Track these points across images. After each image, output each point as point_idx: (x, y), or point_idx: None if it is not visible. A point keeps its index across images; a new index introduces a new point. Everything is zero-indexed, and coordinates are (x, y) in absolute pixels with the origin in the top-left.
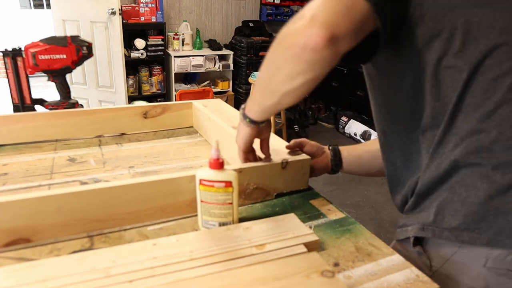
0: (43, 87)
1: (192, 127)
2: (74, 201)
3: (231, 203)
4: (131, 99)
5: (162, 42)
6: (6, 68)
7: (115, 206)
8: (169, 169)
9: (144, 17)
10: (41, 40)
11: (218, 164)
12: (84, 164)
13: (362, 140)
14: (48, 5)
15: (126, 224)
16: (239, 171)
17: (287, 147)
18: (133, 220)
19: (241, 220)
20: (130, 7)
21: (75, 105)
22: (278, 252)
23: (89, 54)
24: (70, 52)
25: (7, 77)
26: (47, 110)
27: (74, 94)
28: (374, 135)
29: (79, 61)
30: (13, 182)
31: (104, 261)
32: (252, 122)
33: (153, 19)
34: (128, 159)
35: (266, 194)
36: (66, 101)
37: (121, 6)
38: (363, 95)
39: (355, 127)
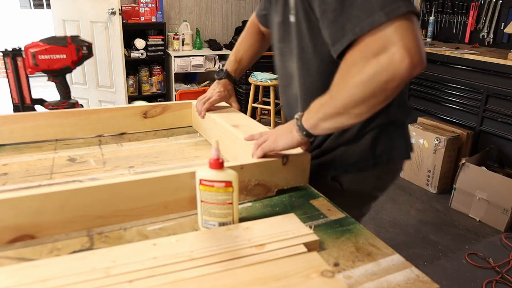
0: (43, 87)
1: (191, 126)
2: (77, 198)
3: (231, 203)
4: (131, 99)
5: (162, 42)
6: (6, 68)
7: (118, 203)
8: (169, 169)
9: (144, 17)
10: (41, 40)
11: (218, 164)
12: (84, 164)
13: None
14: (48, 5)
15: (129, 221)
16: (241, 167)
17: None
18: (135, 216)
19: (241, 220)
20: (130, 7)
21: (75, 105)
22: (278, 252)
23: (89, 54)
24: (70, 52)
25: (7, 77)
26: (47, 110)
27: (74, 94)
28: None
29: (79, 61)
30: (13, 182)
31: (104, 261)
32: (308, 135)
33: (153, 19)
34: (128, 159)
35: (267, 190)
36: (66, 101)
37: (121, 6)
38: None
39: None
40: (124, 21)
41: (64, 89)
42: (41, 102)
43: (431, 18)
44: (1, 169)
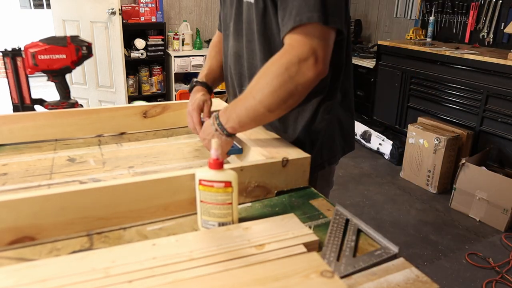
0: (43, 87)
1: None
2: (77, 200)
3: (231, 203)
4: (131, 99)
5: (162, 42)
6: (5, 68)
7: (118, 205)
8: (168, 169)
9: (144, 17)
10: (40, 40)
11: (218, 164)
12: (83, 164)
13: (362, 140)
14: (48, 5)
15: (129, 222)
16: (240, 169)
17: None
18: (135, 218)
19: (241, 220)
20: (130, 7)
21: (75, 105)
22: (277, 252)
23: (89, 54)
24: (69, 52)
25: (7, 77)
26: (47, 110)
27: (74, 94)
28: (374, 134)
29: (78, 61)
30: (13, 182)
31: (103, 261)
32: (229, 135)
33: (153, 19)
34: (127, 159)
35: (267, 192)
36: (66, 101)
37: (121, 6)
38: (363, 95)
39: (355, 127)
40: (124, 21)
41: (63, 89)
42: (40, 102)
43: (431, 18)
44: (1, 169)
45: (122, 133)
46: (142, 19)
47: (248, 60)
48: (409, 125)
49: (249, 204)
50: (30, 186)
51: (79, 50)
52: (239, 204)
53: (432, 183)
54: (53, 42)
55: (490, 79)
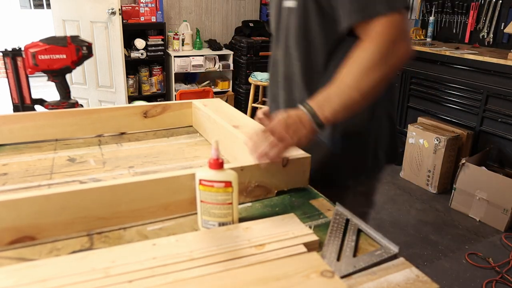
0: (43, 87)
1: (191, 126)
2: (78, 199)
3: (231, 203)
4: (131, 99)
5: (162, 42)
6: (6, 68)
7: (119, 204)
8: (168, 169)
9: (144, 17)
10: (41, 40)
11: (218, 164)
12: (84, 164)
13: None
14: (48, 5)
15: (129, 222)
16: (241, 169)
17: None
18: (136, 218)
19: (241, 220)
20: (130, 7)
21: (75, 105)
22: (277, 252)
23: (89, 54)
24: (70, 52)
25: (7, 77)
26: (47, 110)
27: (74, 94)
28: None
29: (79, 61)
30: (13, 182)
31: (103, 261)
32: (320, 127)
33: (153, 19)
34: (128, 159)
35: (267, 192)
36: (66, 101)
37: (121, 6)
38: None
39: None
40: (124, 21)
41: (64, 89)
42: (41, 102)
43: (431, 18)
44: (1, 169)
45: (122, 133)
46: (142, 19)
47: (284, 67)
48: (409, 125)
49: (249, 204)
50: (30, 186)
51: (79, 50)
52: (239, 204)
53: (432, 183)
54: (53, 42)
55: (490, 79)
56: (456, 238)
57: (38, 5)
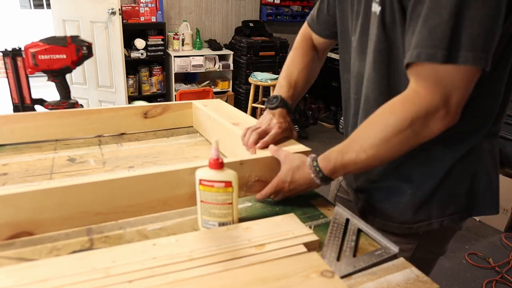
0: (43, 87)
1: (192, 126)
2: (76, 194)
3: (231, 203)
4: (131, 99)
5: (162, 42)
6: (6, 68)
7: (117, 199)
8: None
9: (144, 17)
10: (41, 40)
11: (218, 164)
12: (84, 164)
13: None
14: (48, 5)
15: (128, 217)
16: (240, 163)
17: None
18: (135, 213)
19: (241, 220)
20: (130, 7)
21: (75, 105)
22: (278, 252)
23: (89, 54)
24: (70, 52)
25: (7, 77)
26: (47, 110)
27: (74, 94)
28: None
29: (79, 61)
30: (13, 182)
31: (104, 261)
32: (327, 180)
33: (153, 19)
34: (128, 159)
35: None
36: (66, 101)
37: (121, 6)
38: None
39: None
40: (124, 21)
41: (64, 89)
42: (41, 102)
43: None
44: (1, 169)
45: (123, 134)
46: (142, 19)
47: (368, 85)
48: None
49: (250, 204)
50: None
51: (79, 50)
52: (240, 197)
53: None
54: (53, 42)
55: None
56: (456, 238)
57: (38, 5)
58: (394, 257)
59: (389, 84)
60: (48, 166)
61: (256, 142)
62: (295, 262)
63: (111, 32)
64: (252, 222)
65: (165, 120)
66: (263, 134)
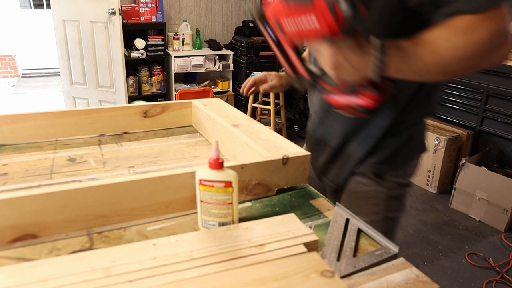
0: (43, 87)
1: (191, 126)
2: (79, 198)
3: (231, 203)
4: (131, 99)
5: (162, 42)
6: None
7: (120, 203)
8: (168, 168)
9: (144, 17)
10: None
11: (218, 164)
12: (84, 164)
13: None
14: (48, 5)
15: (130, 220)
16: (241, 167)
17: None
18: (137, 216)
19: (241, 220)
20: (130, 7)
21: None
22: (278, 252)
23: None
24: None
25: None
26: (48, 110)
27: (74, 94)
28: None
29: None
30: (13, 182)
31: (104, 261)
32: (382, 71)
33: (153, 19)
34: (128, 159)
35: (267, 190)
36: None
37: (121, 6)
38: None
39: None
40: (124, 21)
41: None
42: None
43: None
44: (1, 169)
45: (123, 133)
46: (142, 19)
47: None
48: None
49: (249, 204)
50: (30, 186)
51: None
52: (240, 202)
53: (432, 183)
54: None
55: (490, 79)
56: (456, 238)
57: (38, 5)
58: (394, 257)
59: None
60: (48, 166)
61: (249, 88)
62: (295, 262)
63: (111, 32)
64: (252, 222)
65: (165, 119)
66: (259, 82)
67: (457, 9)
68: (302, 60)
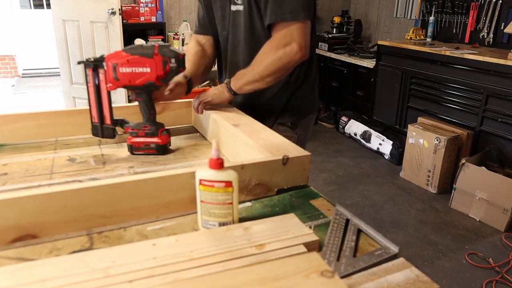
0: (43, 87)
1: (191, 126)
2: (79, 198)
3: (231, 203)
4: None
5: (162, 42)
6: (87, 82)
7: (120, 203)
8: (169, 169)
9: (144, 17)
10: (123, 50)
11: (218, 164)
12: (84, 164)
13: (362, 140)
14: (48, 5)
15: (130, 221)
16: (241, 167)
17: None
18: (137, 216)
19: (241, 220)
20: (130, 7)
21: (159, 131)
22: (278, 252)
23: (179, 68)
24: (155, 65)
25: (87, 91)
26: (48, 110)
27: (74, 94)
28: (374, 135)
29: (166, 77)
30: (13, 182)
31: (104, 261)
32: (235, 94)
33: (153, 19)
34: (127, 159)
35: (267, 190)
36: (149, 124)
37: (121, 6)
38: (363, 95)
39: (355, 127)
40: (124, 21)
41: (147, 110)
42: (121, 123)
43: (431, 18)
44: (1, 169)
45: (123, 133)
46: (142, 19)
47: (231, 56)
48: (409, 125)
49: (249, 204)
50: (30, 186)
51: (166, 63)
52: (240, 202)
53: (432, 183)
54: (137, 53)
55: (490, 79)
56: (456, 238)
57: (38, 5)
58: (394, 257)
59: (254, 53)
60: (48, 166)
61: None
62: (295, 262)
63: (111, 32)
64: (252, 222)
65: (165, 119)
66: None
67: (267, 23)
68: (111, 107)
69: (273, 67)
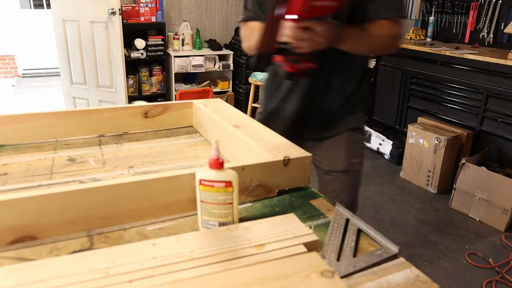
0: (43, 87)
1: (192, 126)
2: (79, 199)
3: (231, 203)
4: (131, 99)
5: (162, 42)
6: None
7: (120, 204)
8: (169, 169)
9: (144, 17)
10: None
11: (218, 164)
12: (84, 164)
13: None
14: (48, 5)
15: (130, 222)
16: (242, 168)
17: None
18: (137, 217)
19: (241, 220)
20: (130, 7)
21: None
22: (277, 252)
23: None
24: None
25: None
26: (48, 110)
27: (74, 94)
28: (374, 134)
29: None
30: (13, 182)
31: (103, 261)
32: (338, 40)
33: (153, 19)
34: (128, 159)
35: (268, 191)
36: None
37: (121, 6)
38: None
39: None
40: (124, 21)
41: None
42: (286, 52)
43: (431, 18)
44: (1, 169)
45: (123, 133)
46: (142, 19)
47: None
48: (409, 125)
49: (250, 204)
50: (30, 186)
51: None
52: (240, 203)
53: (432, 183)
54: None
55: (490, 79)
56: (456, 238)
57: (38, 5)
58: (394, 257)
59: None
60: (48, 166)
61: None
62: (295, 262)
63: (111, 32)
64: (252, 222)
65: (166, 119)
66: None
67: (380, 16)
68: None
69: (385, 41)
